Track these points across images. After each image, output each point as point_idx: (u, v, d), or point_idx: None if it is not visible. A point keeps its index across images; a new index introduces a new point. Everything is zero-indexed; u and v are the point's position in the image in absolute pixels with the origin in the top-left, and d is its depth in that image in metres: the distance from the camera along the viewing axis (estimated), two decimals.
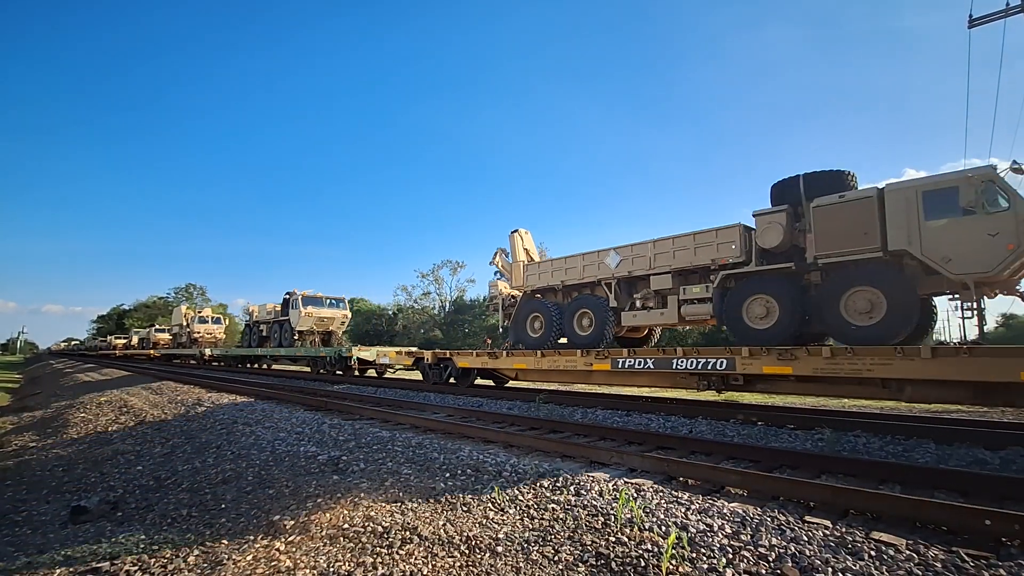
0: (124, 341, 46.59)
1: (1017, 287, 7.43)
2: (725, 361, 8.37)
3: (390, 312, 52.13)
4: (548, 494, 4.57)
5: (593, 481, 4.79)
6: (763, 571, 3.09)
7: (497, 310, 14.53)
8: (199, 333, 31.93)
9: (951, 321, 9.38)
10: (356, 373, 18.81)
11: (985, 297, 7.49)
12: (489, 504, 4.44)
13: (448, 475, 5.38)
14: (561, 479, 4.90)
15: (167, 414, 11.66)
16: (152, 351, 36.90)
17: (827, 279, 8.16)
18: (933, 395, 7.30)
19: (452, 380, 14.03)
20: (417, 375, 16.23)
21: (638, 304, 10.73)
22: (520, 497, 4.55)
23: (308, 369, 21.96)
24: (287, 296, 23.49)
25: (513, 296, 13.91)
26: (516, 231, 13.92)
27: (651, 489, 4.60)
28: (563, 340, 12.05)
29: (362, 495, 4.85)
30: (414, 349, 17.63)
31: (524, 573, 3.24)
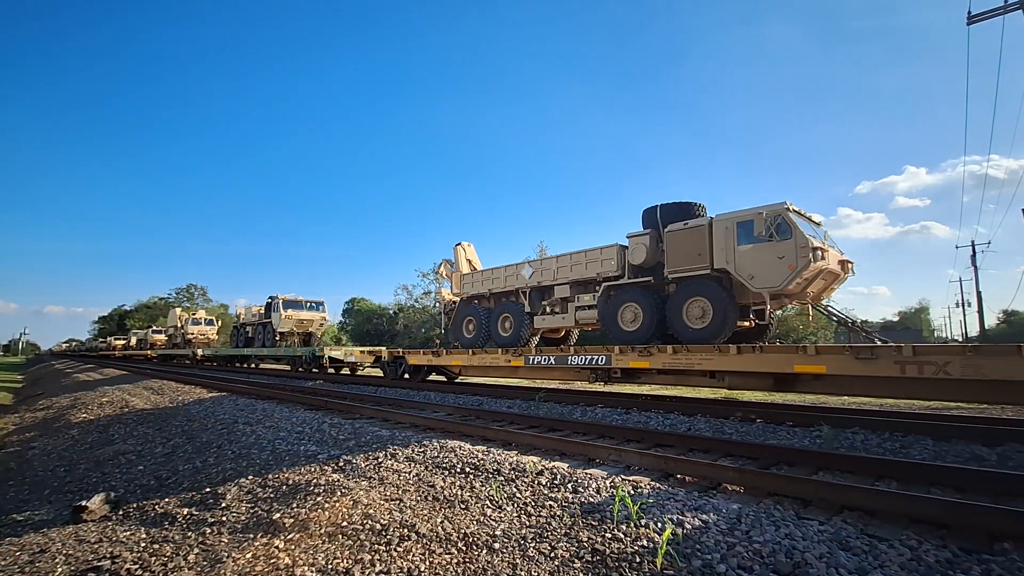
0: (123, 342, 47.58)
1: (814, 297, 9.22)
2: (604, 358, 10.15)
3: (391, 311, 52.16)
4: (545, 491, 4.60)
5: (591, 478, 4.82)
6: (756, 566, 3.12)
7: (441, 314, 16.46)
8: (192, 334, 33.18)
9: (953, 320, 9.97)
10: (331, 371, 20.37)
11: (795, 305, 9.65)
12: (487, 501, 4.47)
13: (447, 473, 5.41)
14: (559, 476, 4.93)
15: (168, 413, 11.70)
16: (149, 352, 37.97)
17: (675, 291, 9.88)
18: (744, 383, 8.95)
19: (406, 376, 15.72)
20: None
21: (547, 309, 12.56)
22: (518, 494, 4.58)
23: (288, 368, 23.61)
24: (270, 300, 25.29)
25: (453, 302, 15.47)
26: (460, 244, 15.67)
27: (648, 486, 4.62)
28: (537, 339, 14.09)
29: (361, 493, 4.88)
30: (374, 348, 19.94)
31: (520, 569, 3.27)
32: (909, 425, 7.07)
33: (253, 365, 27.30)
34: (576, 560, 3.36)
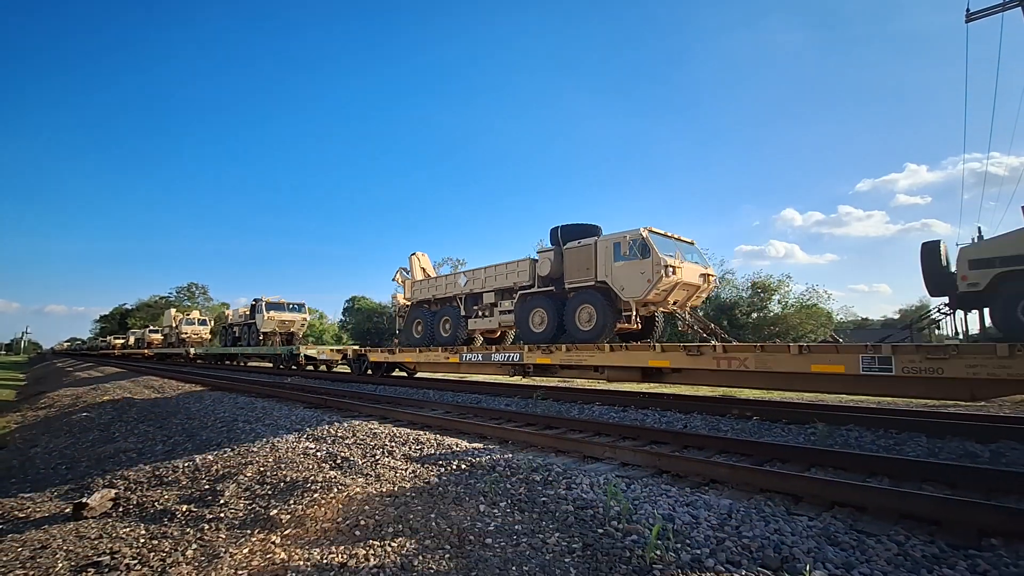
0: (122, 341, 49.03)
1: (680, 304, 11.15)
2: (518, 355, 11.73)
3: (392, 310, 52.24)
4: (540, 488, 4.64)
5: (585, 475, 4.87)
6: (744, 561, 3.16)
7: (396, 316, 18.65)
8: (186, 334, 34.63)
9: (951, 319, 10.24)
10: (310, 368, 22.18)
11: (662, 312, 11.71)
12: (481, 498, 4.52)
13: (442, 470, 5.46)
14: (553, 473, 4.97)
15: (169, 412, 11.77)
16: (146, 350, 39.45)
17: (571, 298, 11.49)
18: (619, 376, 10.45)
19: (369, 371, 17.76)
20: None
21: (478, 313, 14.22)
22: (512, 491, 4.63)
23: (271, 365, 25.38)
24: (254, 302, 27.08)
25: (406, 305, 17.18)
26: (414, 254, 17.54)
27: (641, 482, 4.67)
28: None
29: (357, 490, 4.93)
30: (343, 347, 22.54)
31: (512, 563, 3.32)
32: (904, 422, 7.11)
33: (242, 363, 28.68)
34: (567, 555, 3.40)
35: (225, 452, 7.45)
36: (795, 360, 7.50)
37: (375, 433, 7.46)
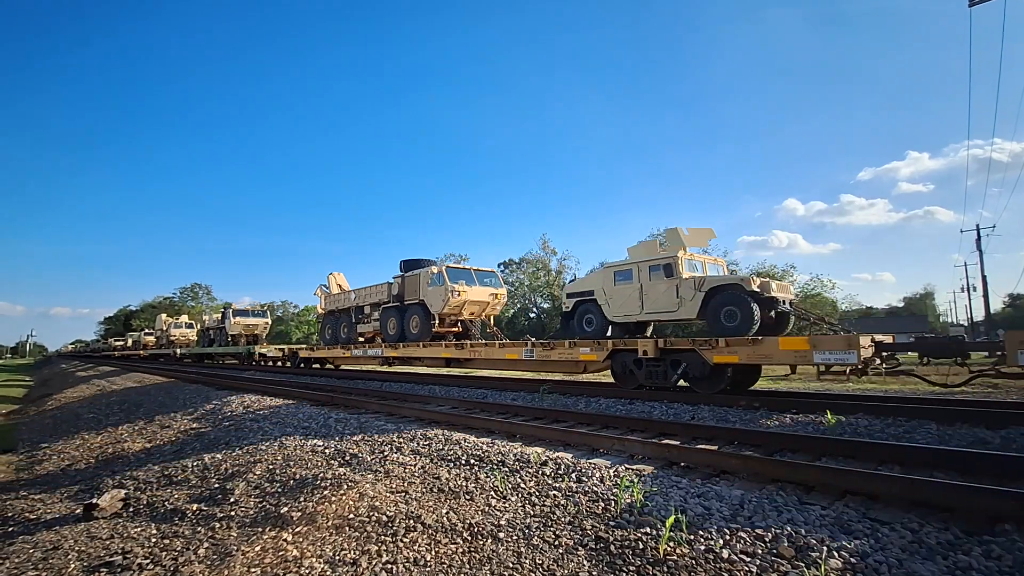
0: (121, 343, 53.70)
1: (475, 315, 16.18)
2: (380, 350, 16.53)
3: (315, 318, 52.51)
4: (550, 481, 4.64)
5: (594, 468, 4.86)
6: (759, 551, 3.15)
7: (317, 321, 24.46)
8: (175, 336, 38.88)
9: (958, 305, 10.25)
10: (269, 364, 26.41)
11: (468, 319, 16.48)
12: (491, 492, 4.52)
13: (451, 465, 5.46)
14: (563, 467, 4.97)
15: (173, 413, 11.81)
16: (142, 351, 43.98)
17: (407, 311, 16.27)
18: (432, 363, 15.69)
19: (301, 365, 22.78)
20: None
21: (362, 320, 18.89)
22: (522, 485, 4.62)
23: (237, 362, 29.81)
24: (224, 309, 33.58)
25: (322, 314, 22.02)
26: (332, 273, 21.90)
27: (651, 475, 4.66)
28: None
29: (367, 486, 4.94)
30: (282, 346, 28.92)
31: (525, 557, 3.31)
32: (913, 410, 7.07)
33: (220, 361, 32.86)
34: (580, 548, 3.39)
35: (234, 449, 7.47)
36: (495, 350, 13.25)
37: (383, 429, 7.46)
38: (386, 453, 6.15)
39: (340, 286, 21.35)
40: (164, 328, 40.87)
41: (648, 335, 11.25)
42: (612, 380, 11.30)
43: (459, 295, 14.87)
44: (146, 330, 49.58)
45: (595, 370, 11.32)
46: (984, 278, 33.42)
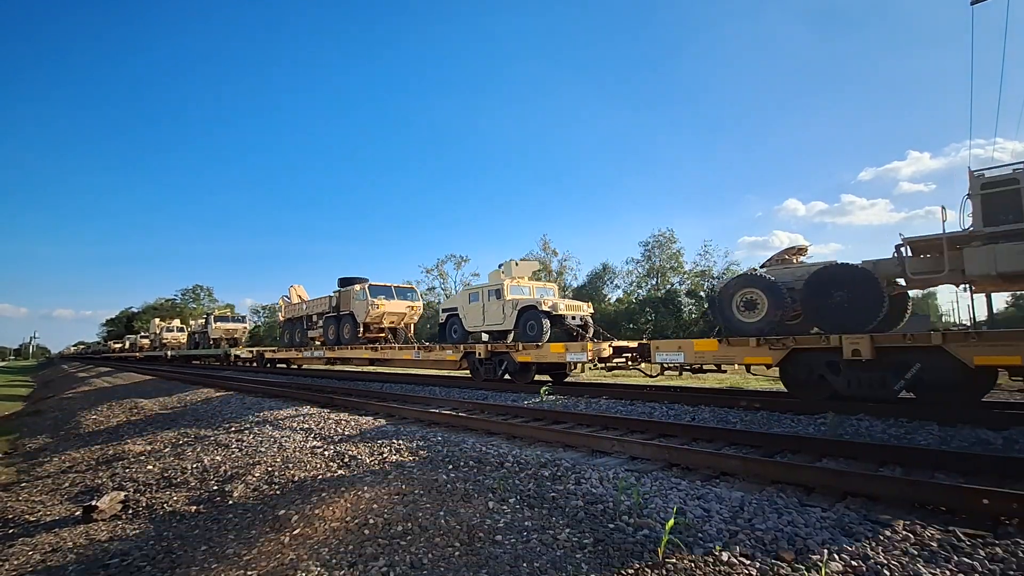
0: (119, 345, 57.13)
1: (395, 323, 19.57)
2: (323, 352, 20.22)
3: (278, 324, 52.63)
4: (549, 483, 4.62)
5: (594, 470, 4.84)
6: (759, 554, 3.12)
7: (278, 328, 28.79)
8: (167, 339, 41.70)
9: (961, 304, 10.21)
10: (242, 364, 29.34)
11: (389, 326, 19.92)
12: (490, 494, 4.50)
13: (451, 467, 5.44)
14: (562, 468, 4.95)
15: (177, 413, 11.81)
16: (138, 353, 46.97)
17: (343, 320, 19.68)
18: (359, 362, 19.05)
19: (267, 365, 26.54)
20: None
21: (313, 327, 22.55)
22: (521, 487, 4.60)
23: (218, 363, 33.02)
24: (206, 315, 37.88)
25: (282, 321, 25.82)
26: (293, 286, 25.65)
27: (651, 476, 4.64)
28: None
29: (366, 488, 4.92)
30: (253, 348, 32.58)
31: (523, 560, 3.29)
32: (914, 411, 7.04)
33: (206, 362, 35.41)
34: (579, 550, 3.37)
35: (233, 451, 7.46)
36: (396, 351, 16.74)
37: (382, 431, 7.45)
38: (385, 455, 6.13)
39: (300, 297, 25.07)
40: (157, 332, 44.27)
41: (483, 341, 14.44)
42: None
43: (378, 307, 18.40)
44: (142, 333, 52.99)
45: (457, 367, 14.45)
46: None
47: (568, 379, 13.77)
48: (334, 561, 3.52)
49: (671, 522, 3.42)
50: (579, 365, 11.62)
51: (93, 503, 5.72)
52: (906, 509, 3.75)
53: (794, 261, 10.02)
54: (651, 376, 11.48)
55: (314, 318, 22.38)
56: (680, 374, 10.73)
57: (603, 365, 11.89)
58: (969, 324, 9.36)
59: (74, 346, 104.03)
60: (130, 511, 5.74)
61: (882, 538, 3.24)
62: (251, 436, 8.31)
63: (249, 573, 3.55)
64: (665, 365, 9.92)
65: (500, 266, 15.19)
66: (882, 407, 7.31)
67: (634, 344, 11.77)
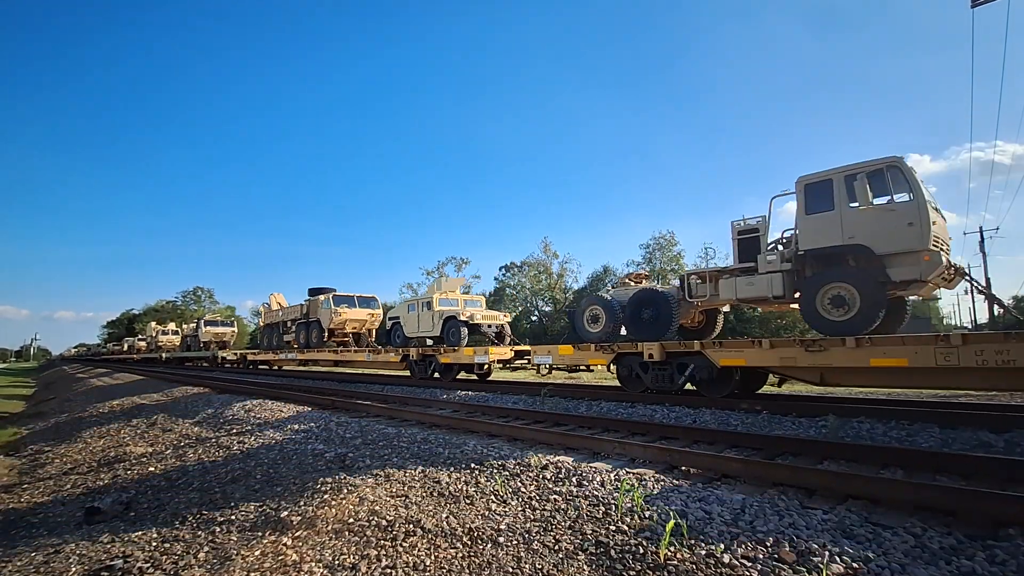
0: (118, 348, 59.35)
1: (348, 329, 22.07)
2: (294, 353, 22.99)
3: (258, 329, 53.14)
4: (550, 485, 4.62)
5: (595, 472, 4.84)
6: (760, 555, 3.13)
7: (257, 333, 32.15)
8: (162, 342, 44.09)
9: (962, 307, 10.32)
10: (228, 365, 31.63)
11: (352, 332, 22.63)
12: (492, 496, 4.51)
13: (452, 469, 5.45)
14: (563, 471, 4.95)
15: (177, 415, 11.83)
16: (135, 355, 49.23)
17: (311, 326, 22.06)
18: (316, 364, 23.32)
19: (250, 367, 28.96)
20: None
21: (287, 332, 24.79)
22: (523, 489, 4.61)
23: (207, 364, 35.19)
24: (197, 320, 41.42)
25: (262, 326, 28.32)
26: (273, 294, 28.20)
27: (652, 479, 4.64)
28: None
29: (367, 490, 4.93)
30: (237, 350, 34.37)
31: (525, 562, 3.30)
32: (916, 413, 7.04)
33: (199, 363, 37.01)
34: (580, 552, 3.38)
35: (235, 453, 7.47)
36: (353, 354, 19.18)
37: (384, 433, 7.46)
38: (387, 457, 6.14)
39: (280, 304, 27.57)
40: (153, 335, 47.00)
41: (414, 345, 16.84)
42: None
43: (341, 315, 20.85)
44: (139, 336, 55.22)
45: (399, 368, 17.03)
46: (988, 280, 33.26)
47: (489, 378, 15.78)
48: (336, 562, 3.53)
49: (671, 524, 3.43)
50: (486, 365, 14.33)
51: (95, 505, 5.74)
52: (907, 512, 3.75)
53: (631, 284, 12.50)
54: (541, 375, 14.32)
55: (288, 324, 24.63)
56: (550, 372, 13.79)
57: (508, 366, 15.38)
58: (970, 326, 9.42)
59: (75, 348, 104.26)
60: (132, 513, 5.76)
61: (883, 541, 3.24)
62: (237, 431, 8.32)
63: (252, 574, 3.57)
64: (542, 366, 12.56)
65: (433, 282, 17.67)
66: (884, 410, 7.33)
67: (528, 348, 14.22)
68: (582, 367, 11.78)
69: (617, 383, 11.13)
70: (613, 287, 13.17)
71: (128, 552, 4.41)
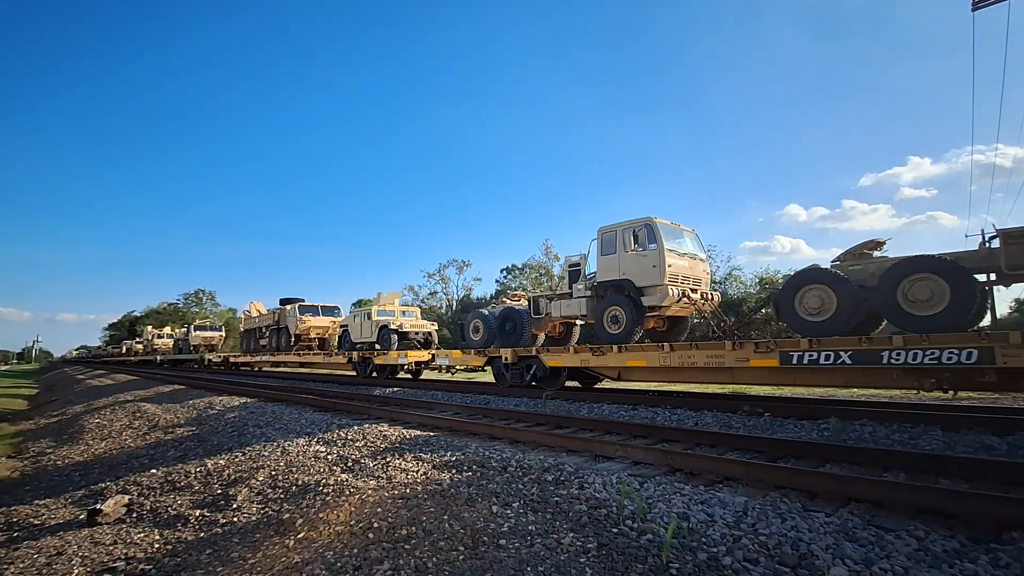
0: (117, 350, 61.56)
1: (319, 336, 25.61)
2: (269, 356, 26.36)
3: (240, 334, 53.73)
4: (552, 488, 4.62)
5: (597, 474, 4.84)
6: (762, 559, 3.13)
7: (239, 337, 34.07)
8: (157, 345, 45.63)
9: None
10: (214, 367, 33.76)
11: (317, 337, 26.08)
12: (494, 498, 4.50)
13: (454, 471, 5.45)
14: (565, 473, 4.95)
15: (177, 415, 11.84)
16: (133, 358, 51.10)
17: (281, 332, 25.17)
18: (284, 367, 28.13)
19: (234, 368, 31.52)
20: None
21: (263, 337, 27.22)
22: (525, 491, 4.61)
23: (197, 365, 37.28)
24: (186, 324, 45.52)
25: (242, 331, 30.88)
26: (252, 302, 30.46)
27: (654, 481, 4.64)
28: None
29: (369, 492, 4.93)
30: (226, 354, 35.91)
31: (527, 564, 3.30)
32: (918, 416, 7.03)
33: (193, 365, 38.74)
34: (582, 555, 3.38)
35: (236, 455, 7.47)
36: (314, 356, 22.22)
37: (385, 436, 7.46)
38: (388, 459, 6.14)
39: (259, 311, 29.57)
40: (150, 338, 49.12)
41: (359, 350, 19.33)
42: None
43: (305, 323, 23.84)
44: (137, 339, 57.21)
45: (348, 368, 19.93)
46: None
47: (421, 376, 18.97)
48: (339, 564, 3.53)
49: (673, 526, 3.43)
50: (408, 365, 17.65)
51: (97, 506, 5.74)
52: (910, 515, 3.75)
53: (507, 302, 14.93)
54: (450, 373, 18.62)
55: (263, 329, 27.31)
56: (453, 372, 18.53)
57: (426, 368, 17.84)
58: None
59: (76, 350, 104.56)
60: (134, 515, 5.76)
61: (885, 543, 3.24)
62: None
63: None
64: (442, 367, 15.63)
65: (376, 296, 20.66)
66: (886, 412, 7.33)
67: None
68: (473, 367, 14.85)
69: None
70: (499, 303, 16.35)
71: (130, 554, 4.41)
